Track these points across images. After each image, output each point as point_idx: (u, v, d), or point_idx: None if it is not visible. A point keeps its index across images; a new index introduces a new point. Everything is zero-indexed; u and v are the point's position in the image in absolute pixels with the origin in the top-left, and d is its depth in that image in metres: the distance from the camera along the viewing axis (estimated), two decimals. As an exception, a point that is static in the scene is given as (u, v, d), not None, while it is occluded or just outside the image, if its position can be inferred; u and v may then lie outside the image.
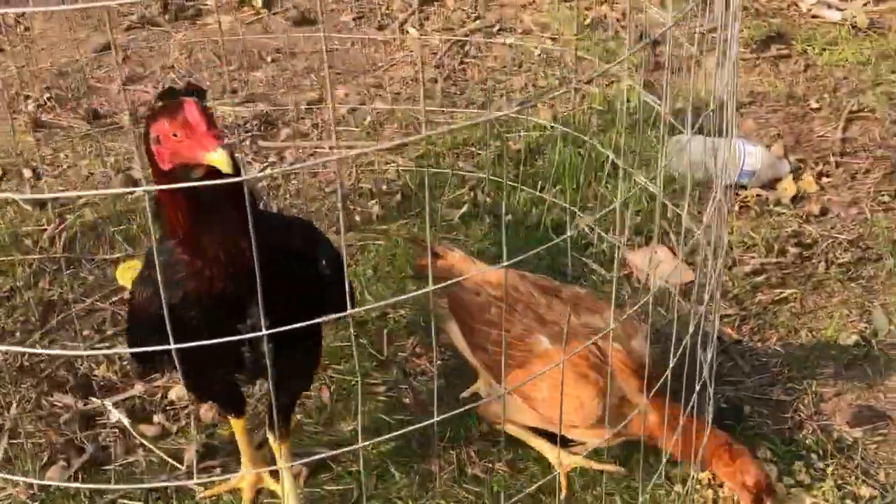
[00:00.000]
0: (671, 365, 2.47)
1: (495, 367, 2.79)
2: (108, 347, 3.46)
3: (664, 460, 2.79)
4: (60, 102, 4.77)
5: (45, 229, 3.91)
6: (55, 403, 3.29)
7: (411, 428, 2.20)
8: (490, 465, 2.98)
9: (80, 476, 3.03)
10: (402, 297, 3.23)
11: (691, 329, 2.59)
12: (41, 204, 4.03)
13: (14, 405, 3.27)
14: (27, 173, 4.24)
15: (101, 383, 3.35)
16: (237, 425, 2.85)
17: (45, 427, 3.19)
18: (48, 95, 4.81)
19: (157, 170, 2.15)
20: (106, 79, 4.99)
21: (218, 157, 2.02)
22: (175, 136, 2.07)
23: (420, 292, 2.03)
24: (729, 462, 2.69)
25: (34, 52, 5.23)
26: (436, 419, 1.99)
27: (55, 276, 3.72)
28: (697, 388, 2.63)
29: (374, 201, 4.02)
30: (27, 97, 4.81)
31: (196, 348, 1.92)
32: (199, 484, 2.97)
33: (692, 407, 2.62)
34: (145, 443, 3.12)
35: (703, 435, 2.69)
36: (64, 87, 4.90)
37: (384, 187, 4.10)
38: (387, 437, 2.50)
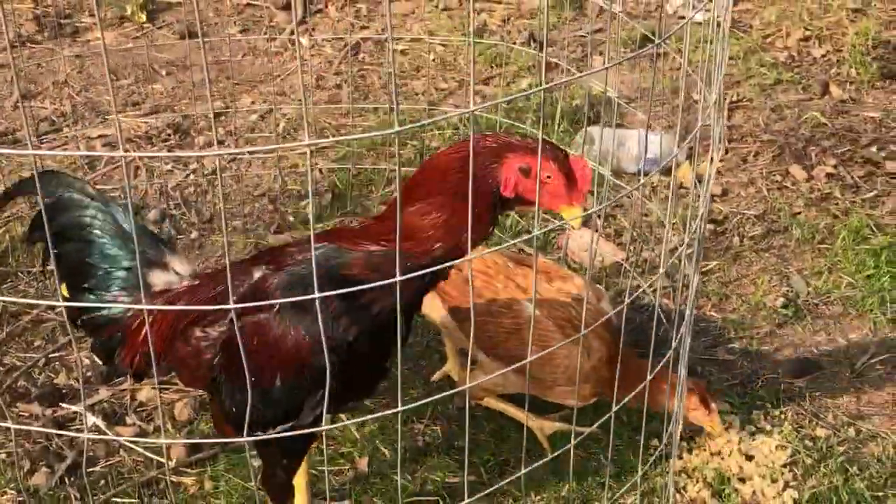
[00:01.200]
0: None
1: (484, 337, 2.94)
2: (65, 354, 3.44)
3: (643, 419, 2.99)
4: (-46, 120, 4.65)
5: (-24, 242, 3.83)
6: (21, 413, 3.24)
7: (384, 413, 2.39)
8: (475, 437, 3.12)
9: (65, 480, 3.01)
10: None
11: (657, 300, 2.78)
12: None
13: (-22, 418, 3.21)
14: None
15: (64, 391, 3.32)
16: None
17: (15, 437, 3.14)
18: (-62, 112, 4.68)
19: (482, 189, 2.09)
20: (-2, 97, 4.89)
21: (576, 214, 2.12)
22: (549, 177, 2.08)
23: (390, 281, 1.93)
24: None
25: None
26: (400, 409, 1.99)
27: (-7, 290, 3.65)
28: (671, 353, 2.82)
29: (305, 202, 4.10)
30: (-83, 117, 4.67)
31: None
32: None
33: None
34: (126, 443, 3.12)
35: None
36: (-47, 104, 4.77)
37: (313, 188, 4.18)
38: (364, 418, 2.63)
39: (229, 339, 2.26)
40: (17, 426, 2.53)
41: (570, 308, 2.89)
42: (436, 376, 3.34)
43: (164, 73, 5.11)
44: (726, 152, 4.55)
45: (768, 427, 3.13)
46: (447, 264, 2.11)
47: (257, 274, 2.30)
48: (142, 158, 4.34)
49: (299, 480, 2.64)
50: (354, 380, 2.21)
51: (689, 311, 2.78)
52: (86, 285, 2.55)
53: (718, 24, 2.52)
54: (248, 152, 4.29)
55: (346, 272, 2.16)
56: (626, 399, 2.78)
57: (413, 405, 2.19)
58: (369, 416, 2.39)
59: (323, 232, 2.36)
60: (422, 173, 2.21)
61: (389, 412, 2.17)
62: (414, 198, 2.15)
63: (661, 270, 2.51)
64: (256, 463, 3.01)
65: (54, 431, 3.05)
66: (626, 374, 2.76)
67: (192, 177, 4.28)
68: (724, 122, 4.72)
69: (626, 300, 2.30)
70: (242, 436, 2.03)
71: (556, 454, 2.54)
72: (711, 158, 2.73)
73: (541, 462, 2.46)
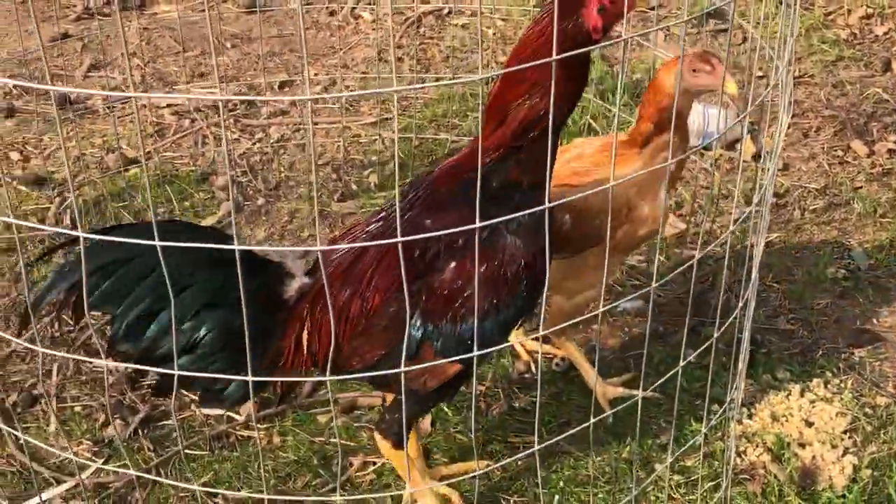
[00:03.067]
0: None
1: None
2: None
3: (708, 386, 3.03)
4: (27, 90, 4.76)
5: (48, 207, 3.93)
6: (96, 368, 3.34)
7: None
8: (534, 400, 3.18)
9: (139, 432, 3.10)
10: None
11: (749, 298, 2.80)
12: (39, 183, 4.05)
13: (54, 373, 3.31)
14: (15, 156, 4.25)
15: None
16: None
17: (90, 391, 3.24)
18: (13, 84, 4.79)
19: (579, 42, 2.21)
20: (68, 66, 4.99)
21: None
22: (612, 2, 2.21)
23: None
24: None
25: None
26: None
27: (69, 251, 3.75)
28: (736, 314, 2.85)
29: (370, 170, 4.17)
30: (-9, 86, 4.80)
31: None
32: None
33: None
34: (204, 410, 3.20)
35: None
36: (27, 75, 4.88)
37: (375, 158, 4.25)
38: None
39: (442, 285, 2.30)
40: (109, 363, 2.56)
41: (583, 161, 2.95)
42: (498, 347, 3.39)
43: (229, 45, 5.19)
44: (789, 127, 4.55)
45: (828, 395, 3.15)
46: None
47: (439, 217, 2.33)
48: (209, 127, 4.43)
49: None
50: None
51: (753, 276, 2.81)
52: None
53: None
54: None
55: (515, 179, 2.31)
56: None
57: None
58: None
59: (453, 161, 2.43)
60: (519, 58, 2.29)
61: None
62: (516, 86, 2.25)
63: (729, 233, 2.54)
64: (322, 419, 3.10)
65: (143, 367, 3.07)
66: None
67: (257, 146, 4.36)
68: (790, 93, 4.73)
69: (693, 269, 2.34)
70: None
71: (613, 412, 2.57)
72: (780, 124, 2.75)
73: (602, 417, 2.50)
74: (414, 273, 2.26)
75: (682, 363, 2.36)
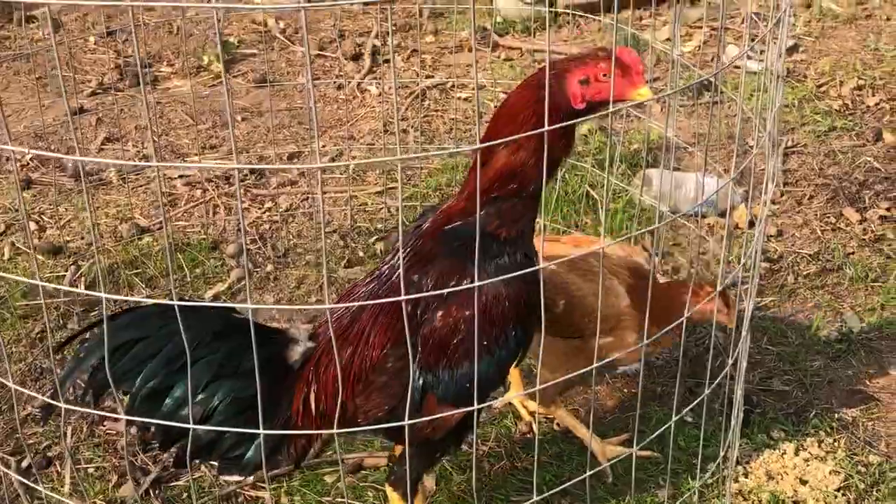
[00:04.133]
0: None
1: None
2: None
3: (700, 448, 3.13)
4: (44, 162, 4.92)
5: (62, 276, 4.05)
6: (108, 431, 3.44)
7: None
8: (535, 459, 3.26)
9: (150, 492, 3.19)
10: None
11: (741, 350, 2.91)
12: (54, 252, 4.18)
13: (69, 435, 3.41)
14: (32, 226, 4.39)
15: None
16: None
17: (103, 453, 3.34)
18: (30, 156, 4.95)
19: (555, 115, 2.25)
20: (83, 139, 5.15)
21: (645, 91, 2.31)
22: (605, 76, 2.30)
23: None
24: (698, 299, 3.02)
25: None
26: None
27: (83, 317, 3.87)
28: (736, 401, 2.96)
29: (374, 238, 4.30)
30: (8, 159, 4.94)
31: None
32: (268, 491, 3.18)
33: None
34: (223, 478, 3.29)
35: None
36: (44, 147, 5.04)
37: (381, 227, 4.38)
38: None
39: (434, 333, 2.41)
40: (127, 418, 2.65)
41: (590, 260, 3.05)
42: (497, 404, 3.49)
43: (239, 118, 5.35)
44: (781, 195, 4.68)
45: (822, 454, 3.24)
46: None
47: (426, 271, 2.44)
48: (220, 197, 4.57)
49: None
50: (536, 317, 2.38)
51: (744, 334, 2.92)
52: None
53: (771, 73, 2.67)
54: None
55: (493, 231, 2.41)
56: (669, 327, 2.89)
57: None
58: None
59: (441, 214, 2.52)
60: (497, 121, 2.42)
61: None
62: (499, 143, 2.36)
63: (716, 293, 2.65)
64: (329, 479, 3.19)
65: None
66: (662, 303, 2.87)
67: (266, 215, 4.49)
68: (778, 163, 4.87)
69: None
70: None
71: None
72: (765, 191, 2.87)
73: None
74: (408, 328, 2.37)
75: (673, 419, 2.46)
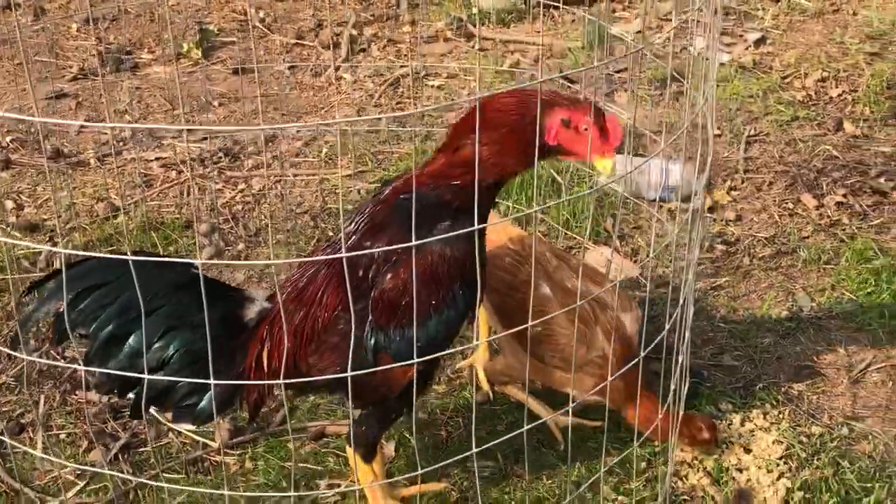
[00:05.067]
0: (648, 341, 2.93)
1: (502, 308, 3.22)
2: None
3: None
4: (23, 144, 5.02)
5: (40, 252, 4.16)
6: (80, 400, 3.55)
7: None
8: (493, 428, 3.39)
9: (119, 458, 3.31)
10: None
11: (677, 316, 3.02)
12: (31, 229, 4.29)
13: (41, 403, 3.52)
14: (10, 204, 4.49)
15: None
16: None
17: (74, 420, 3.45)
18: (10, 138, 5.06)
19: (524, 142, 2.38)
20: (63, 122, 5.26)
21: (608, 165, 2.42)
22: (585, 129, 2.39)
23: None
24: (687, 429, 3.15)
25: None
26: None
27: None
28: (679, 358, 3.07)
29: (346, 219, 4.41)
30: (-11, 141, 5.06)
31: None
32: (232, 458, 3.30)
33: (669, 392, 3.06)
34: (175, 427, 3.42)
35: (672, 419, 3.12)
36: (24, 130, 5.14)
37: (351, 207, 4.50)
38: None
39: (384, 295, 2.52)
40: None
41: (585, 304, 3.15)
42: (462, 364, 3.63)
43: (216, 104, 5.47)
44: (742, 182, 4.81)
45: (767, 425, 3.37)
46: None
47: (378, 237, 2.55)
48: (195, 178, 4.68)
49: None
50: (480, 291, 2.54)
51: (683, 295, 3.04)
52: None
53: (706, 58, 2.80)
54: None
55: (446, 201, 2.51)
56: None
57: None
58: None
59: (400, 182, 2.63)
60: (481, 117, 2.46)
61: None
62: (469, 135, 2.44)
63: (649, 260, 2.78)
64: (292, 446, 3.30)
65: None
66: (634, 396, 3.01)
67: (239, 196, 4.61)
68: (740, 151, 5.01)
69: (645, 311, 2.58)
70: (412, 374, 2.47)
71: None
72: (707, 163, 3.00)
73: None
74: (360, 290, 2.49)
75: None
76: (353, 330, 2.33)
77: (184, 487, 3.11)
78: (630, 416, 3.11)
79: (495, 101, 2.53)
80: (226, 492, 2.77)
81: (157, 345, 2.50)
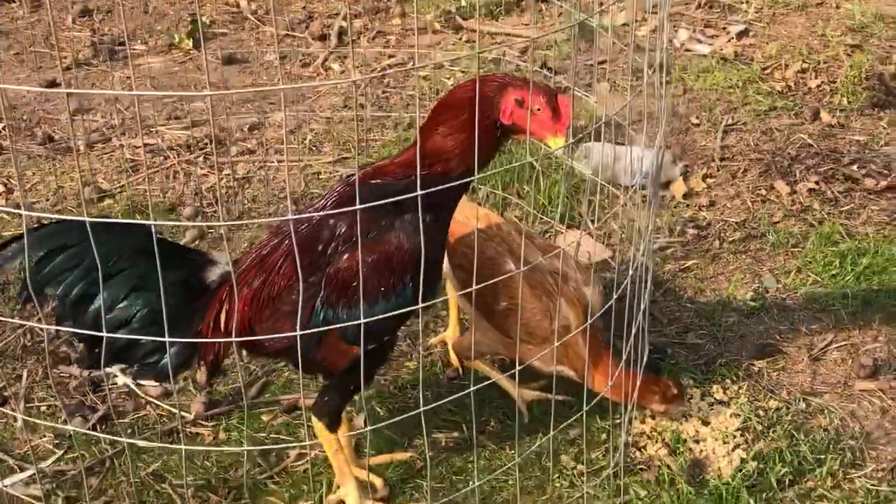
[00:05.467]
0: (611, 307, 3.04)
1: (468, 285, 3.32)
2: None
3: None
4: (15, 131, 5.14)
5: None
6: (62, 374, 3.66)
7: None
8: (461, 401, 3.49)
9: (97, 428, 3.42)
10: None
11: (628, 282, 3.13)
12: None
13: (24, 377, 3.63)
14: (-1, 188, 4.63)
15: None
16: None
17: (55, 393, 3.56)
18: (2, 125, 5.18)
19: (485, 119, 2.54)
20: (55, 110, 5.38)
21: (560, 142, 2.58)
22: (538, 109, 2.56)
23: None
24: (657, 387, 3.26)
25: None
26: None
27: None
28: (634, 331, 3.17)
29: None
30: (-19, 130, 5.18)
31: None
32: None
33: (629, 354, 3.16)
34: (152, 400, 3.53)
35: (632, 379, 3.23)
36: (16, 117, 5.26)
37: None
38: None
39: (338, 273, 2.65)
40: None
41: (548, 276, 3.25)
42: (432, 341, 3.73)
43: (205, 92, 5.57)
44: (718, 169, 4.90)
45: (725, 399, 3.47)
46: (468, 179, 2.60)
47: (340, 217, 2.68)
48: (180, 163, 4.80)
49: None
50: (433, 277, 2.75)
51: (641, 252, 3.14)
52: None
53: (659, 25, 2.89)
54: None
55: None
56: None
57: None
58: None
59: (371, 168, 2.76)
60: (440, 108, 2.67)
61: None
62: (435, 127, 2.63)
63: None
64: (265, 417, 3.41)
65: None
66: (597, 362, 3.12)
67: (224, 181, 4.72)
68: (717, 140, 5.10)
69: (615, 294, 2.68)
70: (357, 352, 2.57)
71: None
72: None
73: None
74: (316, 265, 2.61)
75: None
76: (300, 301, 2.45)
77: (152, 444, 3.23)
78: (592, 383, 3.21)
79: (454, 89, 2.67)
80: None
81: (121, 305, 2.62)
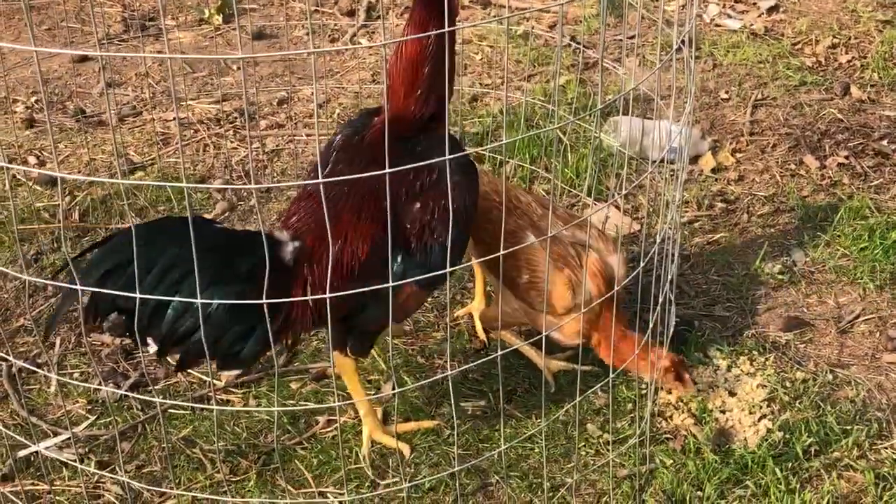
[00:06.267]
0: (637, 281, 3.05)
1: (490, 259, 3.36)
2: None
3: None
4: (48, 104, 5.19)
5: (59, 204, 4.33)
6: (94, 343, 3.71)
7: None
8: (488, 371, 3.51)
9: (128, 396, 3.46)
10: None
11: (655, 252, 3.14)
12: (52, 183, 4.46)
13: (57, 345, 3.69)
14: (32, 160, 4.67)
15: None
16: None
17: (88, 361, 3.61)
18: (35, 99, 5.23)
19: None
20: (86, 84, 5.42)
21: None
22: None
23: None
24: (644, 357, 3.24)
25: (10, 65, 5.63)
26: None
27: (76, 242, 4.15)
28: (661, 302, 3.18)
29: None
30: (15, 101, 5.23)
31: None
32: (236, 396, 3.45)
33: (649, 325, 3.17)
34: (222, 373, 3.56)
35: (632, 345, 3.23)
36: (48, 91, 5.31)
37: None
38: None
39: (412, 223, 2.87)
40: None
41: (570, 249, 3.26)
42: (459, 312, 3.76)
43: (235, 67, 5.61)
44: (747, 144, 4.89)
45: (752, 370, 3.48)
46: None
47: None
48: (210, 137, 4.83)
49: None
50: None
51: (672, 273, 3.15)
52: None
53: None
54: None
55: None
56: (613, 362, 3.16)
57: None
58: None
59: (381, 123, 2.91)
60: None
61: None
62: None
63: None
64: (294, 385, 3.45)
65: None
66: (617, 336, 3.14)
67: (253, 154, 4.75)
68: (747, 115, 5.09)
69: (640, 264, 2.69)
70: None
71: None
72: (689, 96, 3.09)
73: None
74: (383, 220, 2.75)
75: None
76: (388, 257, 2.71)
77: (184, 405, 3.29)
78: (608, 354, 3.22)
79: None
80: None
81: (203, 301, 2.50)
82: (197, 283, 2.35)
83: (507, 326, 3.55)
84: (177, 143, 4.77)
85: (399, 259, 2.82)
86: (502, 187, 3.36)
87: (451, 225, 2.59)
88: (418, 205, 2.85)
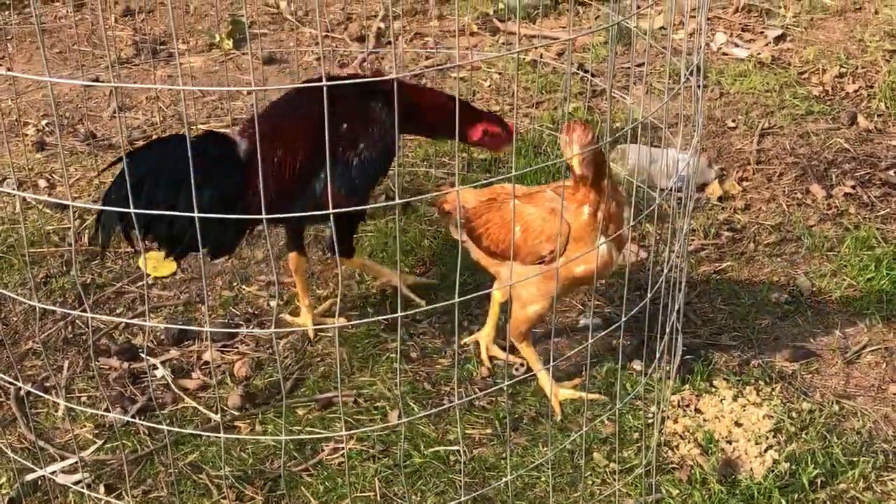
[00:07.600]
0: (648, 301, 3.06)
1: (499, 247, 3.46)
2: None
3: (640, 389, 3.38)
4: (58, 128, 5.23)
5: (69, 228, 4.35)
6: (102, 367, 3.73)
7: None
8: (494, 399, 3.52)
9: (136, 419, 3.47)
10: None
11: (662, 282, 3.15)
12: (62, 207, 4.49)
13: (65, 368, 3.70)
14: (42, 184, 4.70)
15: (140, 350, 3.80)
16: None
17: (96, 384, 3.62)
18: (46, 122, 5.27)
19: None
20: (97, 108, 5.46)
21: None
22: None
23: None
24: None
25: (21, 88, 5.68)
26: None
27: (84, 265, 4.17)
28: (667, 331, 3.20)
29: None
30: (26, 123, 5.26)
31: None
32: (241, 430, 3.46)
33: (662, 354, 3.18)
34: (186, 393, 3.58)
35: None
36: (59, 114, 5.35)
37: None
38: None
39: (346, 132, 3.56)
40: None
41: (538, 194, 3.42)
42: (467, 339, 3.77)
43: (245, 92, 5.64)
44: (753, 172, 4.91)
45: (758, 400, 3.48)
46: None
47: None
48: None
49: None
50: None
51: (672, 263, 3.16)
52: None
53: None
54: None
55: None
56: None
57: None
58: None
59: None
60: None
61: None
62: None
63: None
64: (300, 412, 3.45)
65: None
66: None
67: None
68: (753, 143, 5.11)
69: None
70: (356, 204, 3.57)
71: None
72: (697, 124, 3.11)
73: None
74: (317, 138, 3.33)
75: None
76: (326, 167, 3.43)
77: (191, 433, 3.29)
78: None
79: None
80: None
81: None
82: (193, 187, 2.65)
83: (531, 326, 3.50)
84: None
85: (327, 166, 3.42)
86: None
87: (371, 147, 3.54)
88: (345, 125, 3.53)
